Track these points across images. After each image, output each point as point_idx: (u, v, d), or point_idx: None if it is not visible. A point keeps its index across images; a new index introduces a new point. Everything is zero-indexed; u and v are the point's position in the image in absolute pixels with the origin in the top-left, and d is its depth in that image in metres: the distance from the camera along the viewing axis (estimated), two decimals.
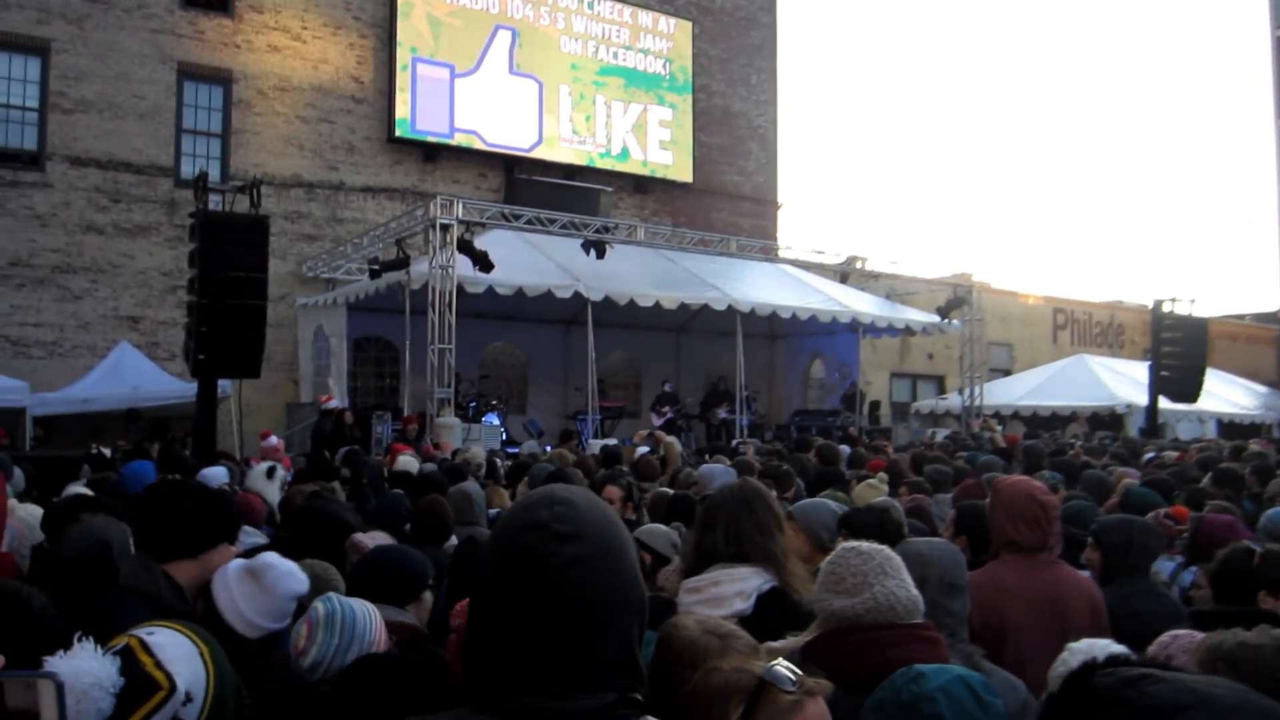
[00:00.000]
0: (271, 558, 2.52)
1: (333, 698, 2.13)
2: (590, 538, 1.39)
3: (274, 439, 11.55)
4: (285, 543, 3.85)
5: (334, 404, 14.33)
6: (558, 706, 1.33)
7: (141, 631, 1.60)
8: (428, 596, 3.25)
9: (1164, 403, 18.13)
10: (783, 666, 1.62)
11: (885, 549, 2.50)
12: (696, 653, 2.06)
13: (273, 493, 6.77)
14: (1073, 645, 2.53)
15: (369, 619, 2.41)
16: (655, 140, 23.42)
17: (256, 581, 2.46)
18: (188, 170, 17.71)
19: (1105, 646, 2.46)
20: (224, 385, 13.41)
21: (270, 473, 7.62)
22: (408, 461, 8.50)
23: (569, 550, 1.36)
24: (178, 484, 3.17)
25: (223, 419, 13.76)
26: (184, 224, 12.50)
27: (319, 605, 2.37)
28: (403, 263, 14.61)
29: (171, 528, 2.79)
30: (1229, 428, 21.33)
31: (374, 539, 3.96)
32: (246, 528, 5.11)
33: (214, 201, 10.81)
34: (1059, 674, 2.49)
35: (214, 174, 17.01)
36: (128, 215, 17.94)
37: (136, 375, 15.49)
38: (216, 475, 7.03)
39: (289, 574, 2.50)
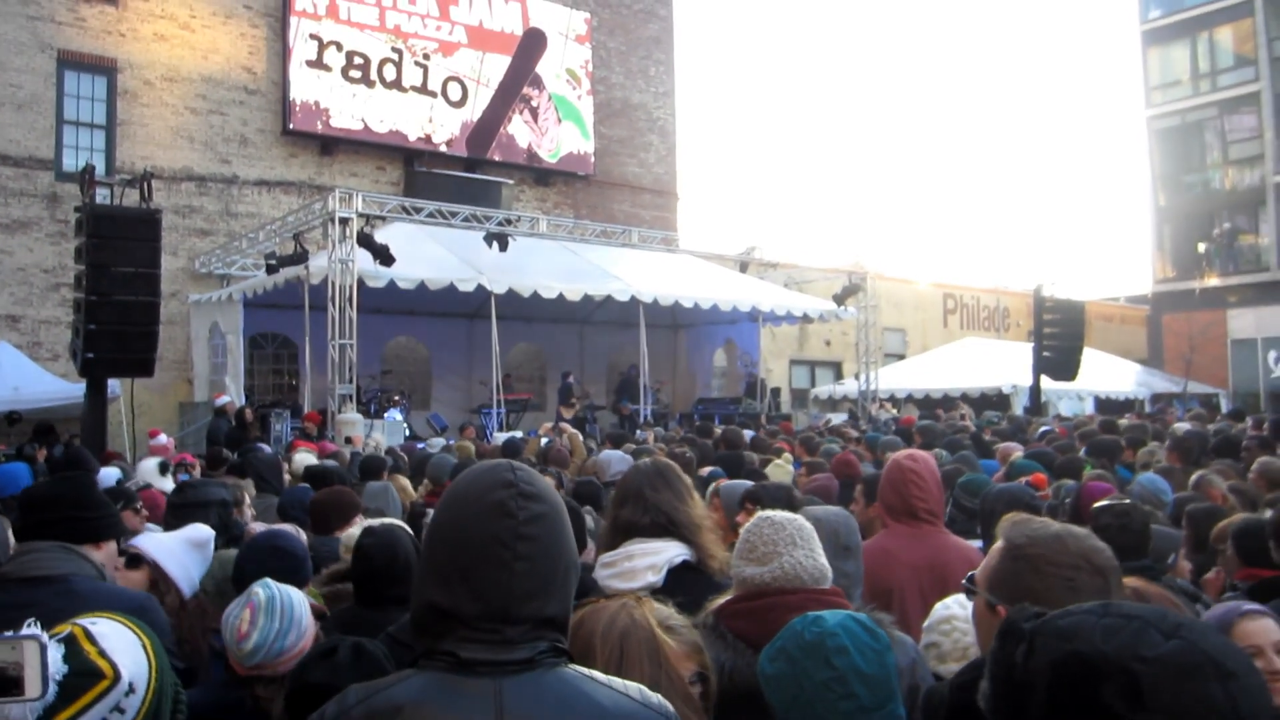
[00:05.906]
0: (205, 530, 2.71)
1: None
2: (548, 499, 1.55)
3: (163, 437, 11.24)
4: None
5: (225, 400, 14.00)
6: (499, 658, 1.45)
7: (85, 621, 1.61)
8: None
9: (1046, 382, 18.96)
10: None
11: (799, 520, 2.61)
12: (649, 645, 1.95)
13: (166, 487, 6.62)
14: (938, 604, 2.74)
15: (304, 604, 2.46)
16: (555, 132, 23.38)
17: (202, 551, 2.79)
18: (70, 163, 17.04)
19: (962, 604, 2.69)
20: (113, 386, 12.97)
21: (163, 469, 7.42)
22: (304, 458, 8.34)
23: (535, 507, 1.51)
24: (84, 476, 3.22)
25: (113, 420, 13.32)
26: (67, 219, 12.06)
27: (259, 591, 2.41)
28: (301, 257, 14.33)
29: (88, 513, 2.83)
30: (1105, 403, 22.39)
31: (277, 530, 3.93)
32: (150, 524, 5.05)
33: (101, 195, 10.48)
34: (926, 626, 2.70)
35: (99, 167, 16.36)
36: (5, 210, 17.15)
37: (17, 376, 14.78)
38: (110, 477, 6.89)
39: (212, 538, 2.77)
